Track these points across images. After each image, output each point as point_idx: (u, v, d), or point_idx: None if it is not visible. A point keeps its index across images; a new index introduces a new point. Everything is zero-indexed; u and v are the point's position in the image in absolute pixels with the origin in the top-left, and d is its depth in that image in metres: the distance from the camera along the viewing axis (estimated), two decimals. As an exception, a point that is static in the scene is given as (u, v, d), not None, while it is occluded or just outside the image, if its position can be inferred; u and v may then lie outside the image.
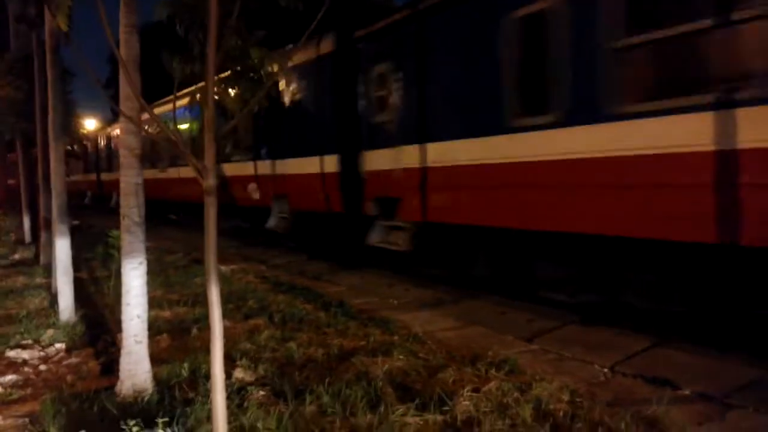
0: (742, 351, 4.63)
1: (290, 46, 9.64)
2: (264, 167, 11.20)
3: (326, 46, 9.31)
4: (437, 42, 7.20)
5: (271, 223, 11.02)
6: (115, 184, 16.76)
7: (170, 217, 18.32)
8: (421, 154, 7.40)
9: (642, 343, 5.01)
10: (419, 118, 7.49)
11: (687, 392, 3.91)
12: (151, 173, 16.43)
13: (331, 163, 9.22)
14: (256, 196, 11.50)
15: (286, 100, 10.49)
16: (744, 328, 4.85)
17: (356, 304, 6.70)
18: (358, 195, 8.72)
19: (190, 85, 2.73)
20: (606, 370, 4.42)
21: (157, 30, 14.11)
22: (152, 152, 16.48)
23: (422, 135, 7.41)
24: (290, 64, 9.53)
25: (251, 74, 2.59)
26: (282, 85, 10.37)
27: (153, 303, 6.12)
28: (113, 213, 16.76)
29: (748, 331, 4.81)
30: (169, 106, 3.36)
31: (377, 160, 8.34)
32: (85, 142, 25.95)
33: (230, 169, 12.53)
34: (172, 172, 16.05)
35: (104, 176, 24.05)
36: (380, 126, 8.30)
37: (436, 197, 7.26)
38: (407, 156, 7.65)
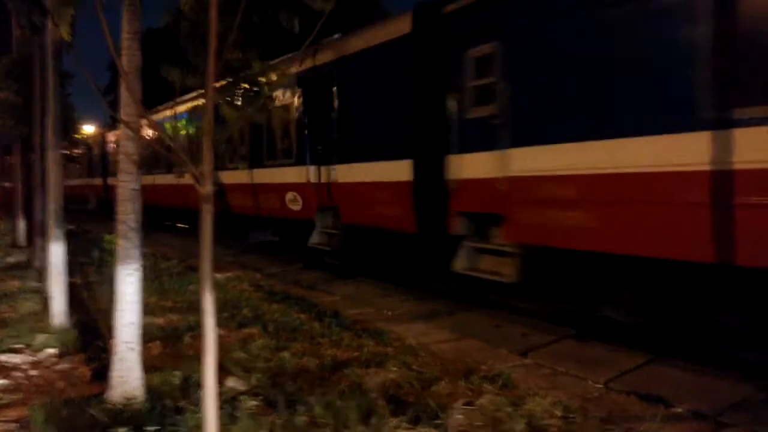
0: (736, 368, 4.63)
1: (338, 35, 9.36)
2: (307, 174, 9.69)
3: (400, 27, 7.78)
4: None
5: (315, 239, 9.62)
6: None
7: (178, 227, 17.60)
8: (545, 158, 5.76)
9: (636, 359, 5.00)
10: (544, 112, 5.81)
11: (680, 410, 3.90)
12: (166, 179, 15.48)
13: (401, 170, 7.62)
14: (296, 207, 10.07)
15: (339, 94, 8.97)
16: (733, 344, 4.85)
17: (351, 314, 6.68)
18: (439, 209, 7.14)
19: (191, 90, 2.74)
20: (600, 385, 4.41)
21: (159, 35, 14.09)
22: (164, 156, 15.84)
23: (547, 133, 5.75)
24: (346, 53, 8.68)
25: (250, 87, 2.61)
26: (326, 78, 9.16)
27: (146, 309, 6.07)
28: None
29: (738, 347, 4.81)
30: (170, 111, 3.39)
31: (471, 166, 6.73)
32: (90, 146, 25.24)
33: (260, 175, 11.30)
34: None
35: (111, 180, 22.82)
36: (477, 124, 6.67)
37: (561, 215, 5.61)
38: (521, 161, 6.03)
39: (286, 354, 4.98)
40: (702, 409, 3.88)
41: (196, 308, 6.27)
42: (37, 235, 9.10)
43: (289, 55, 9.70)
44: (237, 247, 12.91)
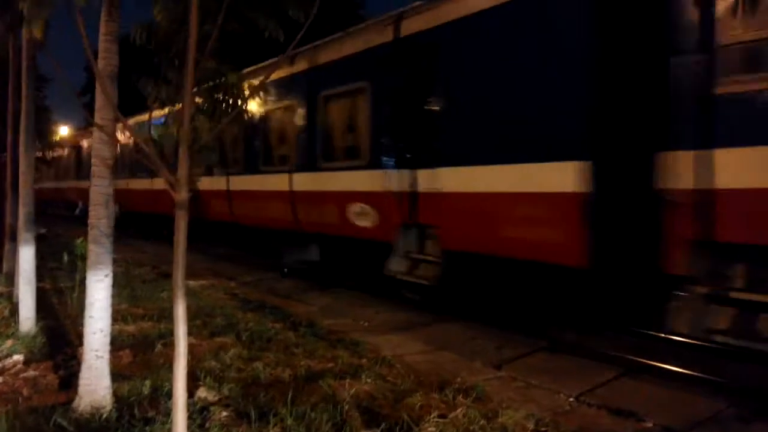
0: (706, 382, 4.70)
1: None
2: (385, 180, 7.42)
3: None
4: None
5: (396, 266, 7.43)
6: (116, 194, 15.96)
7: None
8: None
9: (608, 373, 5.05)
10: None
11: (650, 424, 3.94)
12: (143, 184, 14.37)
13: (563, 175, 5.34)
14: (365, 222, 7.80)
15: (448, 69, 6.65)
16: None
17: (326, 324, 6.64)
18: (643, 235, 4.98)
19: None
20: (572, 399, 4.44)
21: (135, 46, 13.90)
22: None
23: None
24: (462, 13, 6.41)
25: (225, 96, 2.60)
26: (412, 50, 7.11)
27: (117, 317, 6.00)
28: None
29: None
30: (150, 115, 3.35)
31: (735, 168, 4.41)
32: (79, 145, 23.56)
33: (303, 181, 9.09)
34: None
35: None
36: (745, 102, 4.34)
37: None
38: None
39: (259, 364, 4.92)
40: (672, 423, 3.92)
41: (168, 316, 6.21)
42: (7, 239, 8.90)
43: (350, 30, 8.53)
44: (212, 254, 12.76)
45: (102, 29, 3.74)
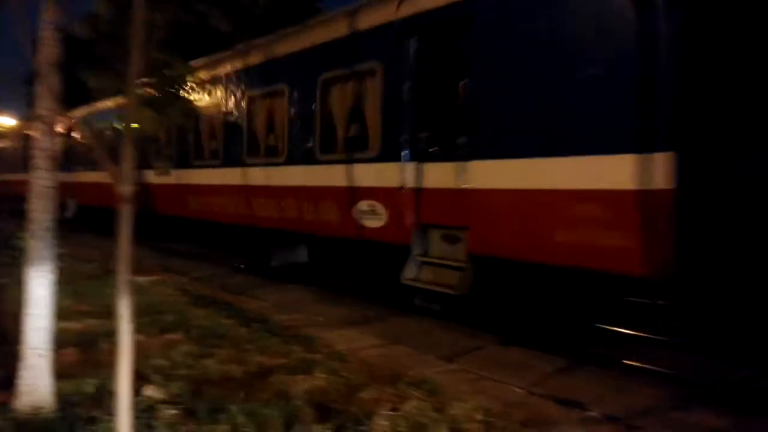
0: (651, 373, 4.88)
1: None
2: (401, 174, 6.51)
3: None
4: None
5: (414, 272, 6.49)
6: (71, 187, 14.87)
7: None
8: None
9: (557, 363, 5.19)
10: None
11: (595, 413, 4.06)
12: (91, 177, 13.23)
13: (638, 169, 4.53)
14: (374, 222, 6.92)
15: (485, 45, 5.76)
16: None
17: (280, 320, 6.58)
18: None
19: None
20: (521, 390, 4.54)
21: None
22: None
23: None
24: None
25: (170, 88, 2.55)
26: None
27: (62, 314, 5.76)
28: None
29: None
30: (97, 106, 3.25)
31: None
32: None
33: (294, 175, 8.34)
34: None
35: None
36: None
37: None
38: None
39: (210, 361, 4.84)
40: (616, 412, 4.05)
41: (115, 312, 6.03)
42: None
43: (362, 2, 7.69)
44: (164, 250, 12.46)
45: (44, 16, 3.60)
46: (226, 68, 10.03)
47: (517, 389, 4.56)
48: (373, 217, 6.96)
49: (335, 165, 7.60)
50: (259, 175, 9.16)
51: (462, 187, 5.90)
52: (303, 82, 8.31)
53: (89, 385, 4.14)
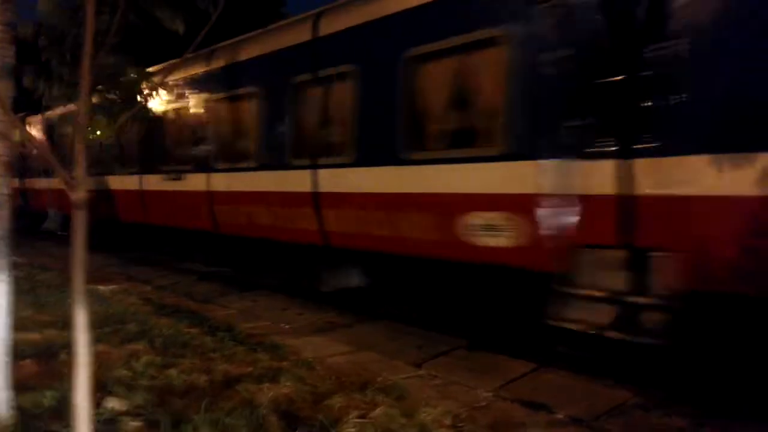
0: (612, 375, 4.95)
1: None
2: (539, 176, 4.92)
3: None
4: None
5: (580, 312, 4.70)
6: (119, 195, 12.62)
7: None
8: None
9: (524, 367, 5.23)
10: None
11: (560, 416, 4.11)
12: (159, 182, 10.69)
13: None
14: (497, 241, 5.25)
15: None
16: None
17: (246, 328, 6.49)
18: None
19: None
20: (488, 394, 4.57)
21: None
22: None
23: None
24: None
25: (123, 93, 2.49)
26: None
27: (20, 325, 5.58)
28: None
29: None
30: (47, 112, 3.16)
31: None
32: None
33: (366, 180, 6.55)
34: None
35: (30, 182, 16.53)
36: None
37: None
38: None
39: (173, 371, 4.74)
40: (580, 414, 4.11)
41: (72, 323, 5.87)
42: None
43: None
44: (124, 258, 12.19)
45: (-4, 17, 3.48)
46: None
47: (484, 393, 4.58)
48: (493, 234, 5.28)
49: (432, 166, 5.87)
50: (305, 181, 7.32)
51: (665, 193, 4.20)
52: (376, 62, 6.47)
53: (49, 398, 4.03)
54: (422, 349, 5.86)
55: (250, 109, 8.44)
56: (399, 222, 6.22)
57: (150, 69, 3.69)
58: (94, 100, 2.58)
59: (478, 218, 5.42)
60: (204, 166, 9.30)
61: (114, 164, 11.74)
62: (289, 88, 7.58)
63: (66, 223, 14.41)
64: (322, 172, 7.10)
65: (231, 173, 8.82)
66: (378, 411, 3.95)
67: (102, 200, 11.99)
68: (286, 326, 6.80)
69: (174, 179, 9.99)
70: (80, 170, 2.14)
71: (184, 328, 6.28)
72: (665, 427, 4.01)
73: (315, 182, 7.16)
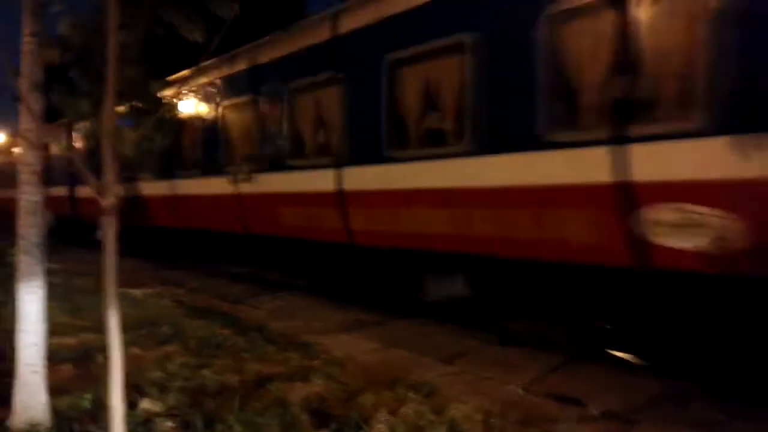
0: (649, 367, 4.87)
1: None
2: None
3: None
4: None
5: None
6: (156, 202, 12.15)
7: None
8: None
9: (556, 361, 5.17)
10: None
11: (594, 410, 4.04)
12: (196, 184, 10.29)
13: None
14: (691, 242, 4.22)
15: None
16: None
17: (277, 328, 6.55)
18: None
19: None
20: (520, 389, 4.52)
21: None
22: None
23: None
24: None
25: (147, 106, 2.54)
26: None
27: (58, 329, 5.75)
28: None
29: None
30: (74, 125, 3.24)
31: None
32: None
33: (505, 170, 5.41)
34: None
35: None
36: None
37: None
38: None
39: (207, 371, 4.82)
40: (614, 408, 4.04)
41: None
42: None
43: None
44: (158, 262, 12.40)
45: (25, 31, 3.57)
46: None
47: (516, 388, 4.54)
48: (685, 233, 4.19)
49: (587, 149, 4.75)
50: (410, 174, 6.35)
51: None
52: (506, 27, 5.40)
53: (85, 400, 4.11)
54: (453, 346, 5.83)
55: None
56: (540, 220, 5.17)
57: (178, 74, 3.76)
58: (121, 110, 2.64)
59: (659, 213, 4.37)
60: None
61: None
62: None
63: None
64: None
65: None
66: (408, 408, 3.96)
67: (141, 206, 12.09)
68: (317, 324, 6.84)
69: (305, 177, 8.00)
70: (110, 177, 2.19)
71: (217, 329, 6.37)
72: (704, 420, 3.92)
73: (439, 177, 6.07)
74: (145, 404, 4.05)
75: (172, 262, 12.33)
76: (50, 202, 16.30)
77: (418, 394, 4.25)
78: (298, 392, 4.30)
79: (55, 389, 3.96)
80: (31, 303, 3.68)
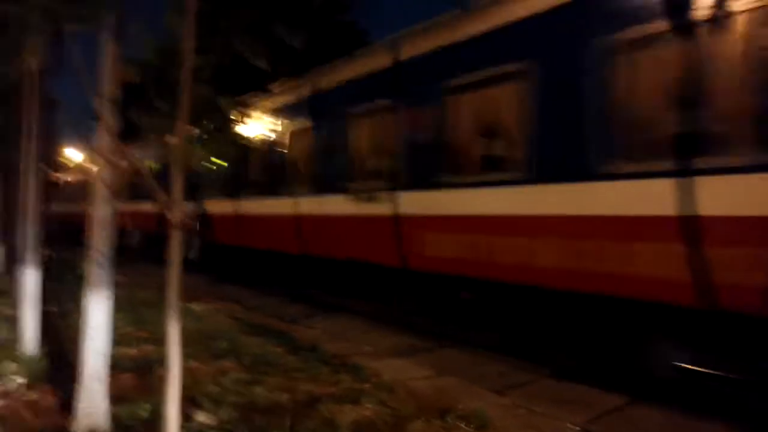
0: (711, 410, 4.60)
1: None
2: None
3: None
4: None
5: None
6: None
7: None
8: None
9: (615, 401, 4.97)
10: None
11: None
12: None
13: None
14: None
15: None
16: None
17: (329, 348, 6.59)
18: None
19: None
20: (577, 427, 4.35)
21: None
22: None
23: None
24: None
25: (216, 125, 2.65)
26: None
27: (121, 340, 5.99)
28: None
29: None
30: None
31: None
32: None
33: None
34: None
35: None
36: None
37: None
38: None
39: (259, 388, 4.89)
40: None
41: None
42: (16, 261, 8.95)
43: None
44: (217, 278, 12.72)
45: (106, 53, 3.80)
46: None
47: (572, 426, 4.38)
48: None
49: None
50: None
51: None
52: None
53: (143, 410, 4.24)
54: (505, 377, 5.70)
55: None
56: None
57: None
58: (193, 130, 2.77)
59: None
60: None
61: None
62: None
63: (206, 251, 13.21)
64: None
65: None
66: (459, 438, 3.88)
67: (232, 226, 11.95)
68: (368, 348, 6.84)
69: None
70: (177, 192, 2.29)
71: (271, 347, 6.46)
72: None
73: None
74: (200, 417, 4.14)
75: (232, 279, 12.62)
76: (137, 219, 16.77)
77: (469, 426, 4.17)
78: (347, 415, 4.30)
79: (115, 398, 4.10)
80: (99, 312, 3.85)
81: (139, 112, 2.68)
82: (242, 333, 7.25)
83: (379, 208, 7.54)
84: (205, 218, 12.82)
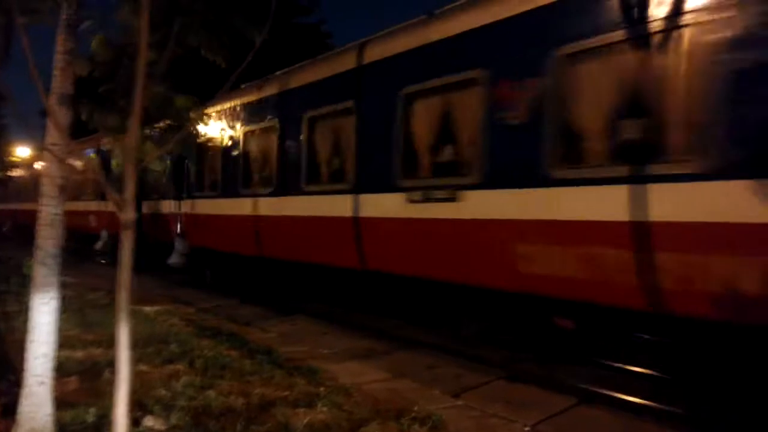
0: (656, 411, 4.75)
1: None
2: None
3: None
4: None
5: None
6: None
7: None
8: None
9: (565, 401, 5.08)
10: None
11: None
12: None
13: None
14: None
15: None
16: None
17: (285, 352, 6.52)
18: None
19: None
20: (527, 428, 4.43)
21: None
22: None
23: None
24: None
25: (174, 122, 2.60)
26: None
27: (67, 343, 5.78)
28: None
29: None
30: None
31: None
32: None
33: None
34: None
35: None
36: None
37: None
38: None
39: (212, 392, 4.79)
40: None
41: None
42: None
43: None
44: (170, 280, 12.44)
45: (59, 47, 3.67)
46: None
47: (523, 427, 4.46)
48: None
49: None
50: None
51: None
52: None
53: (89, 414, 4.12)
54: (460, 379, 5.76)
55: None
56: None
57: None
58: (146, 130, 2.70)
59: None
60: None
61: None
62: None
63: (193, 256, 11.86)
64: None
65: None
66: (413, 441, 3.90)
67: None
68: (325, 351, 6.80)
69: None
70: (129, 192, 2.23)
71: (224, 350, 6.35)
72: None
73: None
74: (149, 422, 4.04)
75: (184, 281, 12.37)
76: (102, 220, 15.47)
77: (423, 427, 4.20)
78: (302, 418, 4.26)
79: (60, 402, 3.96)
80: (44, 314, 3.70)
81: (91, 108, 2.60)
82: (195, 336, 7.10)
83: (339, 209, 7.53)
84: (148, 218, 12.44)
